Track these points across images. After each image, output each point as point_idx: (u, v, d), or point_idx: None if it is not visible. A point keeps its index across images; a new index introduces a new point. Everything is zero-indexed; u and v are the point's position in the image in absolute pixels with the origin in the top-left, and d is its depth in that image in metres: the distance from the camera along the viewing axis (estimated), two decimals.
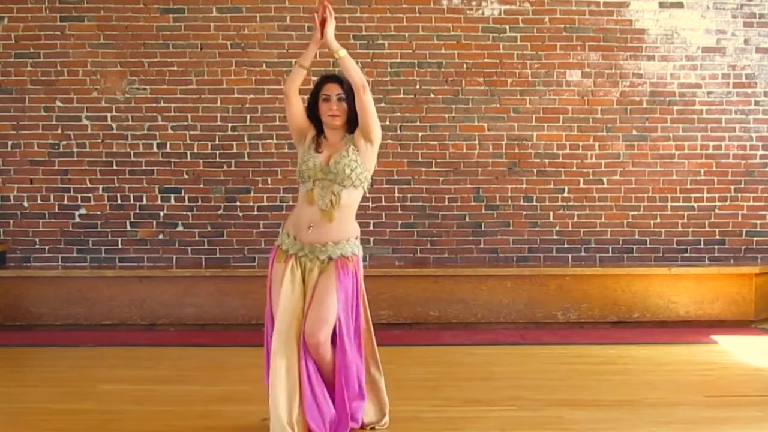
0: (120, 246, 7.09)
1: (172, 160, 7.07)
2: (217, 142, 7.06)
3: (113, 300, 6.70)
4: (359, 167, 3.89)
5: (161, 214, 7.08)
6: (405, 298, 6.70)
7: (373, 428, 4.05)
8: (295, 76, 3.91)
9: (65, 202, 7.08)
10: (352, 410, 3.93)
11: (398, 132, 7.07)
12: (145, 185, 7.07)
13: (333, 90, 3.91)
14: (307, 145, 3.97)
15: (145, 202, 7.08)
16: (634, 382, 5.01)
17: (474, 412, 4.31)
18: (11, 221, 7.08)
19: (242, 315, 6.64)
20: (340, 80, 3.92)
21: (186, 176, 7.08)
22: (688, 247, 7.16)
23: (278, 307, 3.83)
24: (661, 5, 7.09)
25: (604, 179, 7.14)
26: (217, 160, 7.07)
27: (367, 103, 3.83)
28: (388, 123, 7.00)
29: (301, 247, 3.90)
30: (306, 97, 4.01)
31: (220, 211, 7.08)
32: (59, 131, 7.05)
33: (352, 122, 3.94)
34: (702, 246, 7.17)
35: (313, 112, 3.97)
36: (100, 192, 7.07)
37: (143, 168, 7.07)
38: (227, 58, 7.03)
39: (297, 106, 3.94)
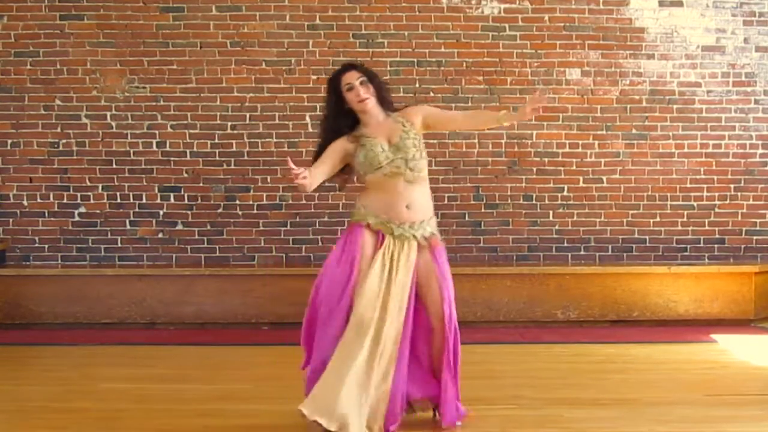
0: (119, 244, 7.08)
1: (172, 158, 7.07)
2: (216, 140, 7.05)
3: (113, 298, 6.70)
4: (419, 141, 3.98)
5: (161, 212, 7.07)
6: None
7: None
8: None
9: (65, 201, 7.07)
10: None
11: None
12: (145, 184, 7.06)
13: (353, 77, 3.93)
14: (354, 149, 3.97)
15: (144, 200, 7.07)
16: (633, 381, 5.01)
17: (474, 411, 4.30)
18: (11, 220, 7.07)
19: (242, 314, 6.63)
20: (355, 66, 3.98)
21: (186, 175, 7.07)
22: (688, 246, 7.16)
23: (362, 291, 3.84)
24: (661, 4, 7.08)
25: (604, 178, 7.14)
26: (217, 158, 7.06)
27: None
28: None
29: (399, 224, 3.92)
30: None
31: (220, 210, 7.08)
32: (59, 130, 7.04)
33: (383, 102, 3.98)
34: (702, 245, 7.16)
35: (341, 109, 3.97)
36: (100, 190, 7.07)
37: (143, 166, 7.06)
38: (227, 57, 7.02)
39: (327, 167, 4.01)
